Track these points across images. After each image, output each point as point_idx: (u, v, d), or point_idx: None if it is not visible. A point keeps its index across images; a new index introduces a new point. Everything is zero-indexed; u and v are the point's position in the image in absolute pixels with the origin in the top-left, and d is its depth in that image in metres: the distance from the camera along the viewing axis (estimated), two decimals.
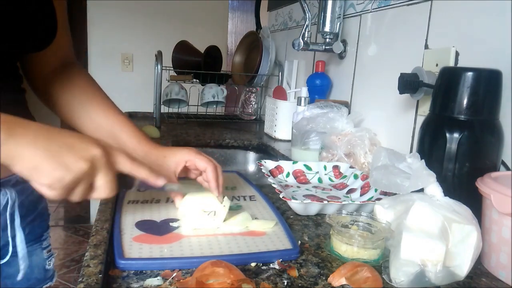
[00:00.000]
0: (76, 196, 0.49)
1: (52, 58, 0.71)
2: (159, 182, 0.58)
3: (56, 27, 0.65)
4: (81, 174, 0.47)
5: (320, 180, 0.99)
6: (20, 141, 0.45)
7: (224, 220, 0.65)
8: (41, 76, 0.72)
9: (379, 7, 1.13)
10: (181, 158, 0.71)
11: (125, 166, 0.53)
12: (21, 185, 0.67)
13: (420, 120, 0.91)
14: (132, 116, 1.89)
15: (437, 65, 0.89)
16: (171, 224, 0.65)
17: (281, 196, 0.74)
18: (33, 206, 0.73)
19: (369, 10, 1.18)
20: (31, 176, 0.46)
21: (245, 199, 0.79)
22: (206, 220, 0.64)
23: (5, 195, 0.64)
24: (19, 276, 0.68)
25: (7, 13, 0.55)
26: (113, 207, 0.69)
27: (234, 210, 0.71)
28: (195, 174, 0.75)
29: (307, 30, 1.28)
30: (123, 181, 0.57)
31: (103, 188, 0.50)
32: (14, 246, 0.67)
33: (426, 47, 0.95)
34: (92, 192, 0.51)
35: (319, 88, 1.38)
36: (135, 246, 0.56)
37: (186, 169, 0.73)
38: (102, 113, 0.73)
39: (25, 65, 0.71)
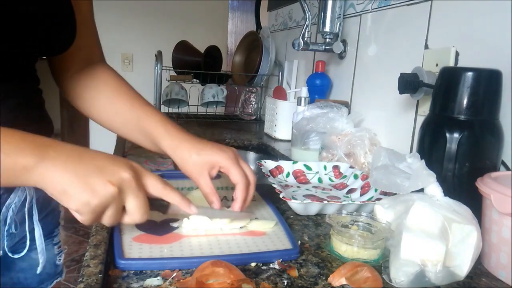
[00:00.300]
0: (107, 220, 0.48)
1: (76, 58, 0.71)
2: (192, 210, 0.56)
3: (75, 31, 0.65)
4: (109, 198, 0.46)
5: (320, 180, 0.99)
6: (50, 165, 0.45)
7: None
8: (66, 76, 0.72)
9: (379, 7, 1.13)
10: (216, 160, 0.64)
11: (156, 190, 0.52)
12: None
13: (420, 120, 0.91)
14: None
15: (437, 65, 0.89)
16: (171, 224, 0.65)
17: (281, 196, 0.74)
18: (47, 203, 0.73)
19: (369, 10, 1.18)
20: (61, 201, 0.46)
21: None
22: (207, 224, 0.64)
23: (24, 191, 0.64)
24: (39, 269, 0.68)
25: (23, 16, 0.55)
26: None
27: None
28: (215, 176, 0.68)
29: (307, 30, 1.28)
30: (158, 205, 0.54)
31: (134, 212, 0.49)
32: (31, 240, 0.67)
33: (426, 47, 0.95)
34: (124, 216, 0.50)
35: (319, 88, 1.38)
36: (135, 246, 0.56)
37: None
38: (128, 106, 0.70)
39: (50, 65, 0.72)
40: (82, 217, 0.47)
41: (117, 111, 0.71)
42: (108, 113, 0.71)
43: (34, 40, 0.60)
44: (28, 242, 0.67)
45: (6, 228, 0.63)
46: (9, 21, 0.54)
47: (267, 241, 0.61)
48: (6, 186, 0.45)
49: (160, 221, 0.66)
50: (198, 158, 0.64)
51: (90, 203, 0.45)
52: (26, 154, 0.44)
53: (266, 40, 1.78)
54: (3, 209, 0.62)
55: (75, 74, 0.72)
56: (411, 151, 0.99)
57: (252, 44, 1.90)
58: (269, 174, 0.90)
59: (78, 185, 0.45)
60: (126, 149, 1.18)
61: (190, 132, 0.68)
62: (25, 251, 0.67)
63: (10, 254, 0.66)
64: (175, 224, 0.64)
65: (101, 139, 2.90)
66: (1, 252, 0.64)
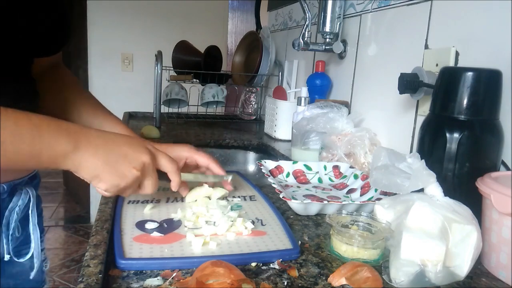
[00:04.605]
0: (126, 194, 0.60)
1: (45, 59, 0.70)
2: (183, 193, 0.72)
3: (71, 30, 0.66)
4: (133, 180, 0.57)
5: (320, 180, 0.99)
6: (84, 153, 0.53)
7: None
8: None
9: (379, 7, 1.13)
10: (182, 154, 0.74)
11: (166, 168, 0.63)
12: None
13: (420, 120, 0.91)
14: (132, 116, 1.89)
15: (437, 65, 0.89)
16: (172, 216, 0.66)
17: (281, 196, 0.74)
18: (38, 207, 0.73)
19: (369, 10, 1.18)
20: (92, 182, 0.55)
21: (245, 199, 0.79)
22: (209, 229, 0.63)
23: (27, 193, 0.66)
24: (32, 274, 0.69)
25: (22, 16, 0.55)
26: (113, 207, 0.69)
27: (234, 210, 0.71)
28: (189, 170, 0.78)
29: (307, 30, 1.28)
30: (162, 176, 0.65)
31: (148, 187, 0.60)
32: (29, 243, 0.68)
33: (426, 47, 0.95)
34: (139, 190, 0.61)
35: (319, 88, 1.38)
36: (136, 246, 0.56)
37: (184, 165, 0.76)
38: (91, 112, 0.75)
39: None
40: (107, 193, 0.57)
41: (80, 115, 0.74)
42: (69, 117, 0.74)
43: (32, 40, 0.60)
44: (33, 245, 0.67)
45: (11, 232, 0.63)
46: (7, 21, 0.54)
47: (267, 241, 0.61)
48: (45, 169, 0.52)
49: (160, 221, 0.65)
50: None
51: (119, 185, 0.56)
52: (63, 142, 0.51)
53: (266, 40, 1.78)
54: (6, 213, 0.62)
55: (38, 75, 0.70)
56: (411, 151, 0.99)
57: (252, 44, 1.90)
58: (269, 174, 0.90)
59: (109, 171, 0.54)
60: None
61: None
62: (29, 254, 0.68)
63: (15, 258, 0.66)
64: (175, 218, 0.66)
65: None
66: (5, 256, 0.64)
